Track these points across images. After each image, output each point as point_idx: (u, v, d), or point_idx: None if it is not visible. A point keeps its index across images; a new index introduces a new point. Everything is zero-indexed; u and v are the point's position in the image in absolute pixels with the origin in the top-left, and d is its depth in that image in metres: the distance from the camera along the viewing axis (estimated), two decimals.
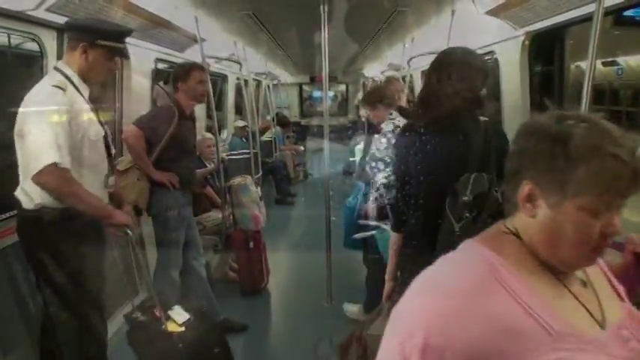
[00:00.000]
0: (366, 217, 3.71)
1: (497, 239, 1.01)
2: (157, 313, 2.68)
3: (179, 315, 2.74)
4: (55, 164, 2.16)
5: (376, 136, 3.58)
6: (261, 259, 4.51)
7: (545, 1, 2.87)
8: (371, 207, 3.70)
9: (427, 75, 2.15)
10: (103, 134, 2.53)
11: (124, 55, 2.59)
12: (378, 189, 3.59)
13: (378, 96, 3.76)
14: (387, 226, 3.35)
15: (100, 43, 2.42)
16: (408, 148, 2.08)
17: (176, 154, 3.36)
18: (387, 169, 3.50)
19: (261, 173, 6.34)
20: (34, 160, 2.18)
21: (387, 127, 3.54)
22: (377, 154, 3.52)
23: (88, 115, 2.43)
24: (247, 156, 5.87)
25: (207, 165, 4.81)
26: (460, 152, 1.96)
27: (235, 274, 4.63)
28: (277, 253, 5.22)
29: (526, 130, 0.98)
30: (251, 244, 4.44)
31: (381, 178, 3.55)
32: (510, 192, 1.00)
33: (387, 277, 2.29)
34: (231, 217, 4.50)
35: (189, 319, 2.73)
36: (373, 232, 3.52)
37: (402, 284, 2.20)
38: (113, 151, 2.74)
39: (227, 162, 5.55)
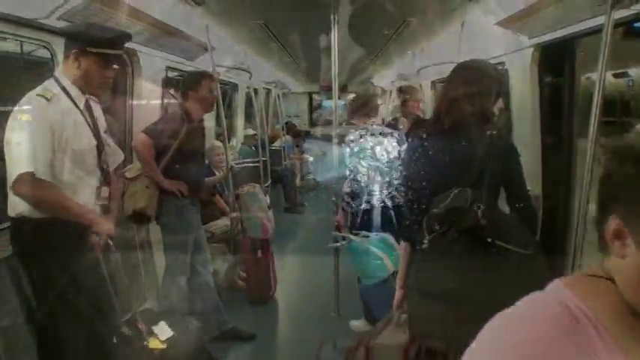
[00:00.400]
0: (338, 227, 3.73)
1: (588, 282, 0.83)
2: (141, 328, 2.64)
3: (163, 331, 2.69)
4: (29, 174, 2.16)
5: (342, 144, 3.64)
6: (269, 268, 4.51)
7: (555, 12, 2.87)
8: (340, 217, 3.73)
9: (443, 85, 2.19)
10: (95, 144, 2.48)
11: (121, 62, 2.51)
12: (343, 198, 3.62)
13: (357, 105, 3.82)
14: (355, 237, 3.38)
15: (91, 50, 2.36)
16: (413, 153, 2.10)
17: (185, 162, 3.37)
18: (350, 176, 3.54)
19: (270, 182, 6.36)
20: (12, 169, 2.18)
21: (350, 136, 3.60)
22: (345, 162, 3.58)
23: (75, 125, 2.38)
24: (256, 164, 5.89)
25: (216, 173, 4.82)
26: (462, 159, 1.97)
27: (243, 283, 4.63)
28: (285, 261, 5.21)
29: (613, 152, 0.81)
30: (259, 253, 4.44)
31: (345, 187, 3.59)
32: (601, 226, 0.81)
33: (397, 284, 2.29)
34: (240, 226, 4.51)
35: (173, 335, 2.69)
36: (343, 242, 3.53)
37: (409, 290, 2.19)
38: (117, 161, 2.73)
39: (236, 170, 5.57)
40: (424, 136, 2.08)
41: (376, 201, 3.51)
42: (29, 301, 2.46)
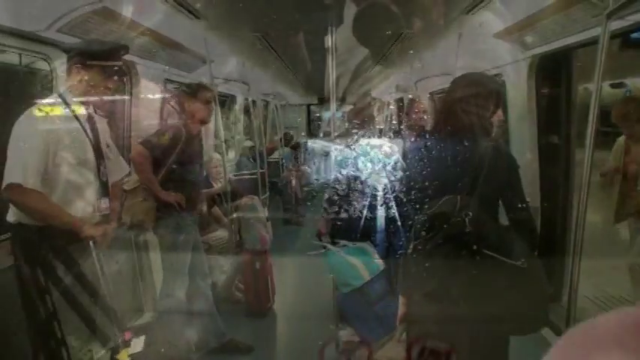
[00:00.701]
0: (319, 234, 3.73)
1: None
2: (126, 337, 2.64)
3: (136, 345, 2.69)
4: (17, 184, 2.23)
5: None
6: (267, 280, 4.48)
7: (552, 24, 2.89)
8: (321, 225, 3.74)
9: (444, 95, 2.22)
10: (94, 156, 2.53)
11: (121, 73, 2.59)
12: (322, 205, 3.65)
13: (352, 115, 3.87)
14: (331, 246, 3.38)
15: (90, 64, 2.43)
16: (411, 160, 2.12)
17: (183, 174, 3.37)
18: (331, 185, 3.57)
19: (268, 194, 6.34)
20: (4, 178, 2.26)
21: (336, 145, 3.64)
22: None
23: (73, 138, 2.43)
24: (254, 176, 5.88)
25: (214, 185, 4.81)
26: (457, 167, 1.97)
27: (241, 295, 4.60)
28: (284, 271, 5.18)
29: None
30: (257, 265, 4.41)
31: (325, 194, 3.62)
32: None
33: (400, 301, 2.26)
34: (238, 237, 4.49)
35: (139, 352, 2.68)
36: (322, 250, 3.53)
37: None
38: (122, 173, 2.77)
39: (234, 182, 5.55)
40: (423, 143, 2.09)
41: (355, 210, 3.51)
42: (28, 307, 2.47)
